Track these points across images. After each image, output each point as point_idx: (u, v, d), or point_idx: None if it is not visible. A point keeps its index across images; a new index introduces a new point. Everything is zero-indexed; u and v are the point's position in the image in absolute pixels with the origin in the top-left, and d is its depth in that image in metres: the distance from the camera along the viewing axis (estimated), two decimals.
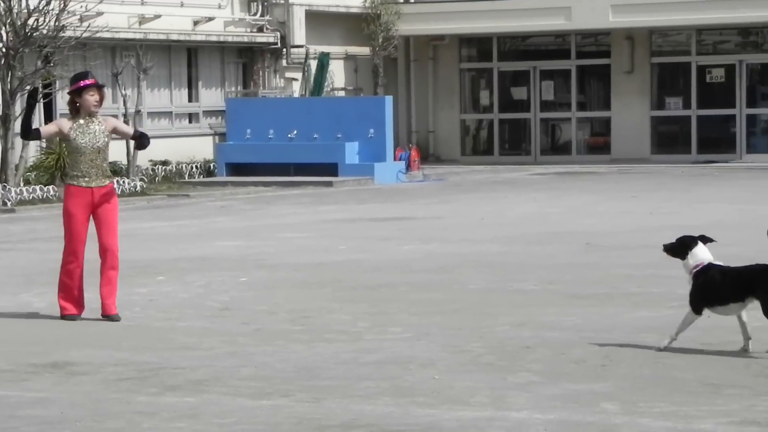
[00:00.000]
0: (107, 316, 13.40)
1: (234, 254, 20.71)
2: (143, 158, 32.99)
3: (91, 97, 13.26)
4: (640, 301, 14.52)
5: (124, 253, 14.67)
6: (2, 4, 29.58)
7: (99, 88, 13.62)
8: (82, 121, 13.32)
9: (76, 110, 13.37)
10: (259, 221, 26.36)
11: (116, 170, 30.33)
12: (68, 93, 14.11)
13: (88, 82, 13.44)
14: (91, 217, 13.32)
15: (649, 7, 38.46)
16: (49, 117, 30.89)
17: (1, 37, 29.62)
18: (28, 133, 14.49)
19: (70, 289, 13.63)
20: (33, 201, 29.33)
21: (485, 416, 9.12)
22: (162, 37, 35.90)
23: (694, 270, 10.96)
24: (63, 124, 13.57)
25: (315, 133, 33.80)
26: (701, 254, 10.97)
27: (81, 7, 30.45)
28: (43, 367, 11.33)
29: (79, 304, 13.47)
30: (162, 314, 13.96)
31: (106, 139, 13.41)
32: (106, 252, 13.33)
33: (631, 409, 9.20)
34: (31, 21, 29.76)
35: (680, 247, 11.25)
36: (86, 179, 13.39)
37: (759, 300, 10.51)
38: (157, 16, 35.92)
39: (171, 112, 36.38)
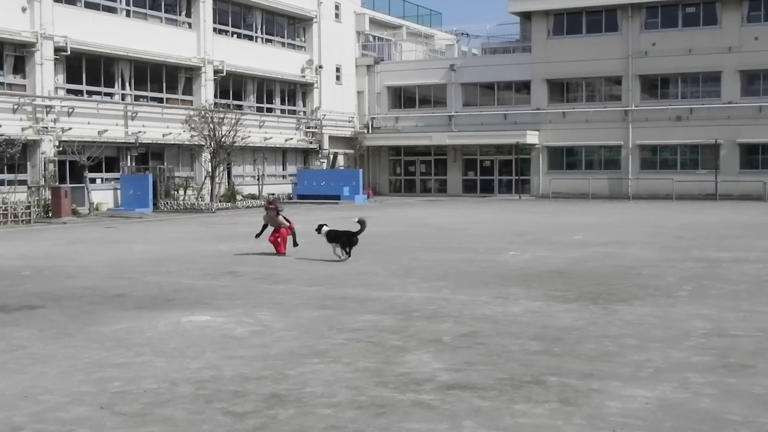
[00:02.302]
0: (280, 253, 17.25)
1: (299, 230, 22.17)
2: (265, 191, 41.40)
3: (273, 211, 17.67)
4: (460, 250, 18.03)
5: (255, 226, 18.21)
6: (210, 134, 35.92)
7: (274, 208, 17.70)
8: (271, 213, 17.60)
9: (266, 209, 17.85)
10: (309, 217, 29.02)
11: (253, 196, 38.19)
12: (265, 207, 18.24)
13: (271, 206, 17.90)
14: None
15: (456, 136, 48.55)
16: (229, 177, 38.67)
17: (211, 145, 35.53)
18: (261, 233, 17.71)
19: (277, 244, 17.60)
20: (222, 209, 35.82)
21: (398, 294, 12.04)
22: (272, 145, 43.44)
23: (327, 232, 16.41)
24: (265, 218, 17.72)
25: (331, 183, 41.71)
26: (327, 228, 16.59)
27: (241, 133, 36.75)
28: (224, 273, 14.57)
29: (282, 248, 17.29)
30: (272, 254, 17.24)
31: (279, 221, 17.44)
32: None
33: (456, 291, 12.27)
34: (222, 140, 36.23)
35: (319, 228, 16.74)
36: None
37: (340, 244, 16.10)
38: (271, 137, 43.07)
39: (275, 175, 43.86)
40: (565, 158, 48.48)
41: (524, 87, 49.31)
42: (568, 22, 47.82)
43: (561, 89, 48.59)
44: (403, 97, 52.53)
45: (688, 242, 19.91)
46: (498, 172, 49.36)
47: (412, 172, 51.99)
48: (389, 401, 6.63)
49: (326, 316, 10.34)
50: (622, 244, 19.33)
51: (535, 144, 47.92)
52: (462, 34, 58.32)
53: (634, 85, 46.15)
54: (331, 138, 48.75)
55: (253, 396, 6.81)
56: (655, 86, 46.86)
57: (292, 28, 47.62)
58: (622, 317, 10.16)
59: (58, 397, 6.84)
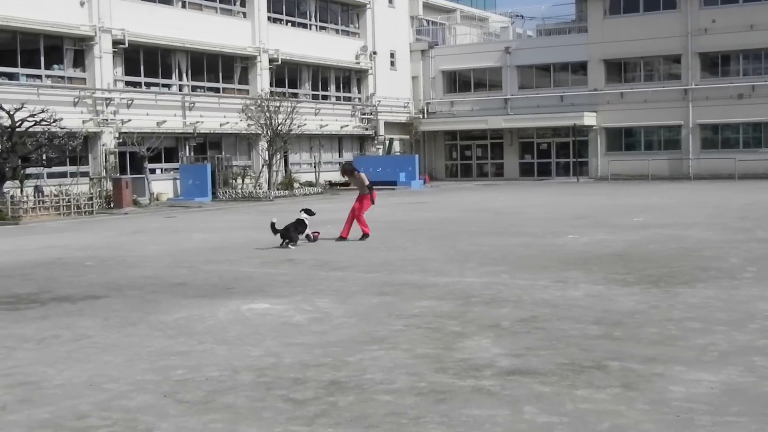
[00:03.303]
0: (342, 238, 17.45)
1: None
2: (322, 178, 41.81)
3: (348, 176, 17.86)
4: (518, 234, 17.95)
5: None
6: (267, 122, 36.24)
7: (348, 172, 18.21)
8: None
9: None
10: None
11: (311, 183, 38.29)
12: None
13: (349, 170, 18.08)
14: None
15: (512, 119, 48.13)
16: (286, 165, 39.07)
17: (268, 134, 35.83)
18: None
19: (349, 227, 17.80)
20: (279, 197, 36.11)
21: (456, 280, 11.93)
22: (329, 132, 43.89)
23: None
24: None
25: (387, 169, 41.40)
26: (304, 214, 16.98)
27: (297, 121, 36.88)
28: (283, 261, 14.42)
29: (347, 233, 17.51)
30: (329, 240, 17.53)
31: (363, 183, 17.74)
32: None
33: (514, 276, 12.21)
34: (279, 128, 36.45)
35: (297, 224, 16.78)
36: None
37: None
38: (326, 125, 43.43)
39: (332, 162, 43.77)
40: (623, 139, 47.88)
41: (581, 68, 48.78)
42: (624, 1, 47.08)
43: (618, 69, 47.93)
44: (458, 81, 52.31)
45: (752, 223, 19.46)
46: (555, 155, 48.98)
47: (468, 156, 51.75)
48: (449, 387, 6.58)
49: (385, 302, 10.27)
50: (684, 226, 18.97)
51: (593, 125, 47.41)
52: (516, 15, 57.79)
53: (693, 63, 45.32)
54: (387, 124, 48.80)
55: (313, 383, 6.80)
56: (715, 64, 45.94)
57: (345, 14, 47.73)
58: (685, 300, 9.93)
59: (123, 385, 6.91)
